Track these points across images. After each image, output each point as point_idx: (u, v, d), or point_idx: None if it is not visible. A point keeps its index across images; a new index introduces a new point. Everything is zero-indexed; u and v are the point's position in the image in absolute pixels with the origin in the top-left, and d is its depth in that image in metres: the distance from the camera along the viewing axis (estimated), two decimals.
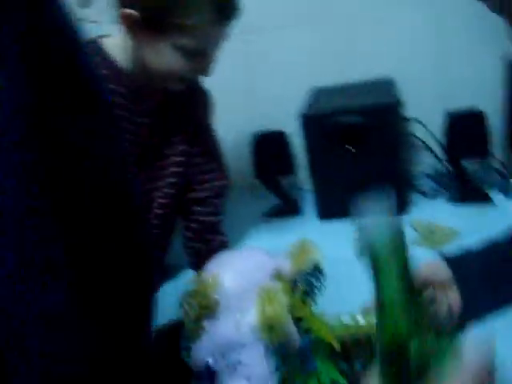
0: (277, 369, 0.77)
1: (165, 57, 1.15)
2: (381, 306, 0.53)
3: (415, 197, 1.57)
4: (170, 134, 1.33)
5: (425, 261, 1.05)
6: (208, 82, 1.45)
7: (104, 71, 1.20)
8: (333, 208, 1.54)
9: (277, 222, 1.64)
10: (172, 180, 1.33)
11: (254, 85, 1.77)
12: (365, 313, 0.83)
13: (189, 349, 0.82)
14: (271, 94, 1.76)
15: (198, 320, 0.80)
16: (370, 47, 1.65)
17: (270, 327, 0.74)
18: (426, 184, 1.62)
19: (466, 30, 1.58)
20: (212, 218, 1.39)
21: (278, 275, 0.81)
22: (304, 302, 0.80)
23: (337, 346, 0.77)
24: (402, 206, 1.49)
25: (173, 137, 1.33)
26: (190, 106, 1.35)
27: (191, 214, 1.39)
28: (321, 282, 0.85)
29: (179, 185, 1.35)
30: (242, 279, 0.79)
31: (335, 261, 1.33)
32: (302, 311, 0.79)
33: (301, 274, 0.84)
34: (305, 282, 0.84)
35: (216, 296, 0.79)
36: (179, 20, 1.09)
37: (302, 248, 0.84)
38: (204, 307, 0.79)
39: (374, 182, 1.43)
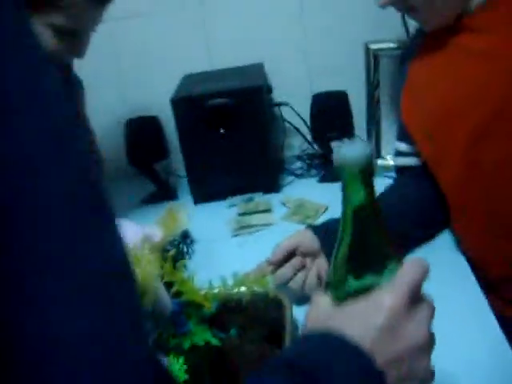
0: (150, 332, 0.78)
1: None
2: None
3: (287, 177, 1.64)
4: None
5: (294, 232, 1.12)
6: (79, 68, 1.45)
7: None
8: (206, 191, 1.57)
9: (153, 208, 1.65)
10: None
11: (125, 71, 1.76)
12: (235, 278, 0.87)
13: None
14: (143, 80, 1.76)
15: None
16: (241, 33, 1.69)
17: (141, 292, 0.76)
18: (297, 165, 1.69)
19: (329, 14, 1.66)
20: None
21: (147, 242, 0.82)
22: (174, 267, 0.82)
23: (208, 305, 0.80)
24: (273, 186, 1.55)
25: None
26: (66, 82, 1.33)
27: None
28: (190, 247, 0.87)
29: None
30: None
31: (209, 241, 1.39)
32: (172, 276, 0.81)
33: (170, 240, 0.86)
34: (174, 248, 0.86)
35: None
36: None
37: (171, 216, 0.86)
38: None
39: (245, 164, 1.51)
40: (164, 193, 1.68)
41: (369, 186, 0.59)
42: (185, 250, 0.88)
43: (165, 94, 1.51)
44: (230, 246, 1.35)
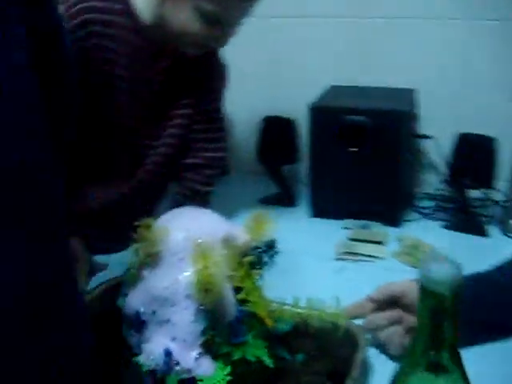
0: (204, 333, 0.75)
1: (183, 16, 1.14)
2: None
3: (411, 213, 1.54)
4: (179, 96, 1.32)
5: (402, 279, 1.03)
6: (230, 58, 1.45)
7: (124, 20, 1.20)
8: (325, 207, 1.52)
9: (270, 210, 1.61)
10: (170, 141, 1.33)
11: (274, 69, 1.76)
12: (309, 302, 0.82)
13: (126, 296, 0.81)
14: (289, 80, 1.74)
15: (141, 268, 0.79)
16: (398, 54, 1.62)
17: (205, 288, 0.72)
18: (425, 203, 1.58)
19: (492, 57, 1.54)
20: (199, 187, 1.38)
21: (228, 242, 0.79)
22: (248, 274, 0.78)
23: (269, 322, 0.75)
24: (394, 219, 1.46)
25: (180, 99, 1.32)
26: (203, 73, 1.33)
27: (182, 179, 1.39)
28: (271, 259, 0.83)
29: (176, 147, 1.34)
30: (191, 236, 0.77)
31: (304, 256, 1.33)
32: (243, 282, 0.77)
33: (252, 246, 0.82)
34: (255, 255, 0.82)
35: (160, 248, 0.77)
36: None
37: (260, 221, 0.82)
38: (147, 256, 0.77)
39: (370, 189, 1.43)
40: (284, 198, 1.65)
41: (453, 316, 0.54)
42: (265, 259, 0.83)
43: (307, 99, 1.48)
44: (325, 269, 1.28)
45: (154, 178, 1.35)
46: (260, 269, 0.83)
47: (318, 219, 1.54)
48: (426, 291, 0.54)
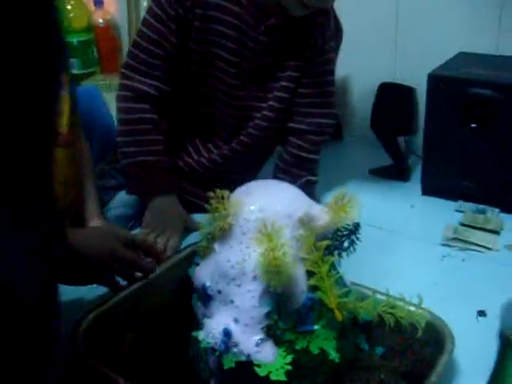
0: (268, 317, 0.69)
1: None
2: None
3: None
4: (286, 58, 1.26)
5: None
6: (348, 19, 1.36)
7: None
8: (439, 185, 1.40)
9: (380, 183, 1.53)
10: (275, 104, 1.28)
11: (399, 33, 1.63)
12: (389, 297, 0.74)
13: (196, 265, 0.78)
14: (414, 46, 1.61)
15: (212, 240, 0.75)
16: None
17: (272, 270, 0.67)
18: None
19: None
20: (305, 154, 1.32)
21: (306, 222, 0.73)
22: (323, 259, 0.71)
23: (338, 315, 0.69)
24: None
25: (287, 61, 1.26)
26: (313, 33, 1.26)
27: (287, 144, 1.33)
28: (352, 246, 0.75)
29: (281, 111, 1.29)
30: (265, 214, 0.72)
31: (409, 235, 1.24)
32: (317, 266, 0.71)
33: (333, 229, 0.75)
34: (334, 239, 0.75)
35: (232, 223, 0.72)
36: None
37: (345, 203, 0.74)
38: (219, 229, 0.73)
39: (491, 171, 1.30)
40: (397, 170, 1.54)
41: None
42: (346, 244, 0.75)
43: (431, 66, 1.36)
44: (428, 253, 1.19)
45: (256, 142, 1.32)
46: (339, 255, 0.76)
47: (430, 197, 1.42)
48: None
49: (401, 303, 0.81)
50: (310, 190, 1.33)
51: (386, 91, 1.49)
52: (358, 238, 0.76)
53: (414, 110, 1.47)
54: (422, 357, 0.82)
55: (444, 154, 1.37)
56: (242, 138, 1.30)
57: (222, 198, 0.73)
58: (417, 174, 1.49)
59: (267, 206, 0.72)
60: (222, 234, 0.73)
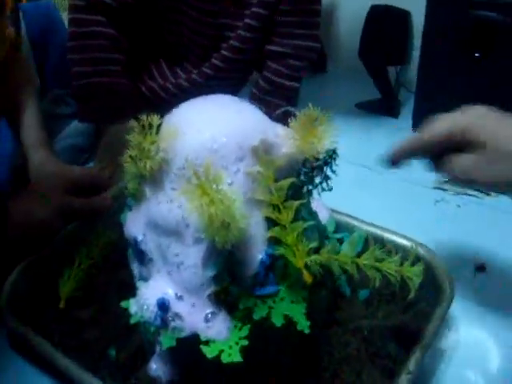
0: (217, 280, 0.54)
1: None
2: None
3: None
4: None
5: None
6: None
7: None
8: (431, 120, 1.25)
9: (368, 118, 1.39)
10: (252, 22, 1.12)
11: None
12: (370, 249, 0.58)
13: (129, 209, 0.61)
14: None
15: (140, 178, 0.58)
16: None
17: (217, 225, 0.50)
18: None
19: None
20: (285, 81, 1.17)
21: (263, 152, 0.56)
22: (287, 203, 0.55)
23: (308, 278, 0.54)
24: None
25: None
26: None
27: (265, 69, 1.18)
28: (326, 181, 0.60)
29: (258, 30, 1.13)
30: (206, 141, 0.54)
31: (399, 178, 1.11)
32: (278, 213, 0.55)
33: (299, 159, 0.58)
34: (303, 175, 0.59)
35: (162, 154, 0.55)
36: None
37: (313, 125, 0.58)
38: (144, 166, 0.55)
39: (493, 102, 1.15)
40: (386, 105, 1.41)
41: None
42: (318, 180, 0.60)
43: None
44: (419, 197, 1.06)
45: (229, 66, 1.16)
46: (308, 194, 0.61)
47: None
48: None
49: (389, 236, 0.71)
50: (289, 123, 1.19)
51: (377, 15, 1.33)
52: (333, 171, 0.60)
53: (408, 37, 1.31)
54: (415, 305, 0.69)
55: (440, 87, 1.22)
56: (213, 60, 1.15)
57: (150, 126, 0.56)
58: (408, 110, 1.36)
59: (210, 133, 0.54)
60: (153, 174, 0.56)
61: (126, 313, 0.58)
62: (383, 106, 1.40)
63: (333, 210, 0.81)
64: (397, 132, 1.31)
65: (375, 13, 1.32)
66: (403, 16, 1.30)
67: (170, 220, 0.53)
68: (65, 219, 0.80)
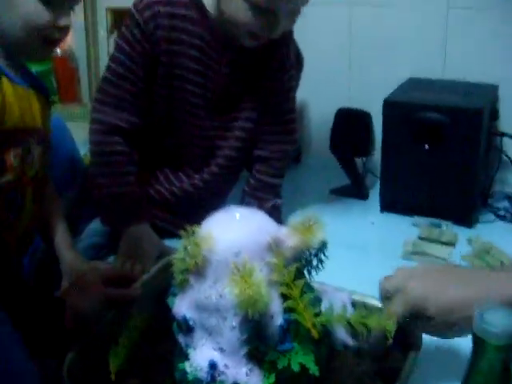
0: (249, 342, 0.75)
1: (234, 5, 1.15)
2: None
3: (486, 214, 1.48)
4: (247, 88, 1.32)
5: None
6: (310, 52, 1.48)
7: (193, 14, 1.22)
8: (396, 201, 1.49)
9: (341, 201, 1.61)
10: (241, 134, 1.35)
11: (353, 62, 1.74)
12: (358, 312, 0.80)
13: (175, 295, 0.82)
14: (368, 73, 1.72)
15: (186, 272, 0.79)
16: (482, 49, 1.55)
17: (248, 302, 0.72)
18: (502, 204, 1.51)
19: None
20: (270, 179, 1.39)
21: (275, 247, 0.78)
22: (294, 282, 0.77)
23: (315, 334, 0.75)
24: (466, 219, 1.41)
25: (249, 91, 1.33)
26: (272, 64, 1.33)
27: (253, 169, 1.41)
28: (320, 263, 0.82)
29: (246, 140, 1.36)
30: (235, 244, 0.76)
31: (372, 251, 1.32)
32: (289, 289, 0.77)
33: (301, 251, 0.80)
34: (303, 261, 0.81)
35: (204, 255, 0.77)
36: None
37: (310, 224, 0.80)
38: (192, 264, 0.77)
39: (443, 187, 1.39)
40: (356, 189, 1.63)
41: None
42: (315, 263, 0.82)
43: (383, 92, 1.45)
44: (391, 268, 1.24)
45: (225, 170, 1.38)
46: (309, 273, 0.82)
47: (388, 213, 1.51)
48: (482, 343, 0.52)
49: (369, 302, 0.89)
50: (276, 213, 1.41)
51: (343, 116, 1.57)
52: (325, 256, 0.82)
53: (370, 133, 1.56)
54: (392, 354, 0.88)
55: (400, 172, 1.46)
56: (211, 168, 1.36)
57: (193, 233, 0.77)
58: (375, 192, 1.57)
59: (237, 238, 0.77)
60: (196, 268, 0.77)
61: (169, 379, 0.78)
62: (354, 191, 1.62)
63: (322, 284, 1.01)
64: (367, 212, 1.54)
65: (342, 114, 1.57)
66: (365, 116, 1.54)
67: (211, 300, 0.75)
68: (106, 307, 0.99)
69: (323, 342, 0.83)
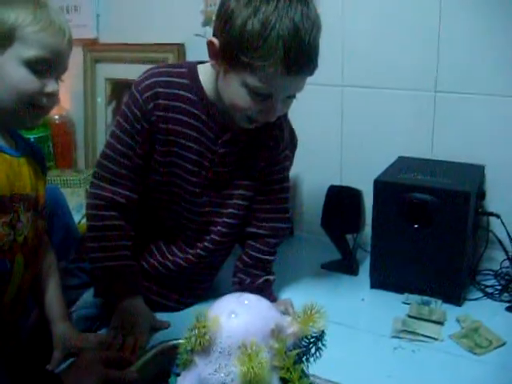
0: None
1: (233, 90, 1.19)
2: None
3: (474, 292, 1.51)
4: (242, 167, 1.36)
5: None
6: (303, 132, 1.54)
7: (192, 96, 1.27)
8: (386, 278, 1.51)
9: (332, 277, 1.63)
10: (234, 211, 1.38)
11: (344, 141, 1.81)
12: None
13: (177, 375, 0.85)
14: (358, 152, 1.78)
15: (192, 352, 0.82)
16: (470, 130, 1.62)
17: (252, 382, 0.75)
18: (490, 282, 1.54)
19: None
20: (262, 256, 1.42)
21: (277, 334, 0.82)
22: (294, 366, 0.80)
23: None
24: (455, 298, 1.44)
25: (244, 170, 1.36)
26: (266, 144, 1.37)
27: (246, 246, 1.43)
28: (319, 352, 0.84)
29: (240, 217, 1.39)
30: (240, 329, 0.80)
31: (361, 328, 1.34)
32: (289, 374, 0.79)
33: (301, 338, 0.84)
34: (303, 347, 0.84)
35: (210, 337, 0.80)
36: (249, 59, 1.11)
37: (311, 312, 0.84)
38: (198, 344, 0.80)
39: (432, 266, 1.42)
40: (346, 265, 1.66)
41: None
42: (313, 351, 0.85)
43: (374, 169, 1.51)
44: (380, 346, 1.29)
45: (219, 246, 1.40)
46: (307, 360, 0.85)
47: (378, 290, 1.53)
48: None
49: None
50: (268, 289, 1.42)
51: (335, 193, 1.62)
52: (324, 345, 0.85)
53: (361, 210, 1.60)
54: None
55: (390, 250, 1.49)
56: (205, 243, 1.39)
57: (202, 315, 0.81)
58: (365, 268, 1.59)
59: (242, 317, 0.81)
60: (201, 348, 0.80)
61: None
62: (344, 266, 1.65)
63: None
64: (357, 288, 1.56)
65: (333, 191, 1.62)
66: (356, 194, 1.59)
67: (216, 374, 0.77)
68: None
69: None
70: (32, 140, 2.32)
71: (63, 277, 1.37)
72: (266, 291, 1.41)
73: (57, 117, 2.46)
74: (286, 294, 1.49)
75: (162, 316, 1.34)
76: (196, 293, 1.44)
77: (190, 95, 1.27)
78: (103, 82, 2.34)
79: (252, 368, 0.74)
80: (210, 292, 1.44)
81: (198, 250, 1.39)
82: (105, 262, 1.32)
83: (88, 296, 1.41)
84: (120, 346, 1.22)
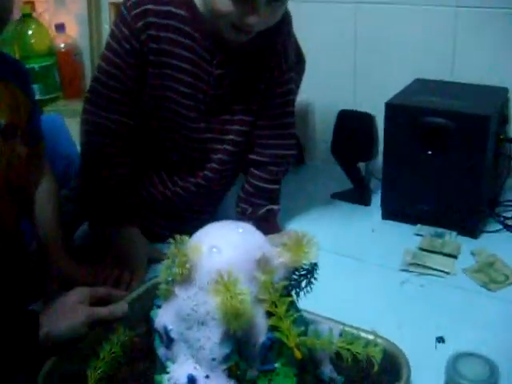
0: (229, 358, 0.71)
1: None
2: None
3: (493, 224, 1.42)
4: (242, 91, 1.27)
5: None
6: (313, 52, 1.45)
7: (184, 12, 1.18)
8: (398, 209, 1.43)
9: (342, 207, 1.56)
10: (235, 138, 1.30)
11: (358, 62, 1.70)
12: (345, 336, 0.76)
13: (158, 307, 0.79)
14: (373, 74, 1.67)
15: (172, 283, 0.76)
16: (492, 53, 1.50)
17: (232, 315, 0.68)
18: (508, 213, 1.45)
19: None
20: (266, 185, 1.35)
21: (264, 264, 0.74)
22: (281, 300, 0.73)
23: (298, 354, 0.71)
24: (471, 230, 1.35)
25: (244, 94, 1.28)
26: (269, 66, 1.28)
27: (249, 175, 1.36)
28: (309, 286, 0.78)
29: (242, 144, 1.31)
30: (224, 258, 0.73)
31: (369, 261, 1.27)
32: (275, 308, 0.72)
33: (290, 270, 0.77)
34: (292, 280, 0.77)
35: (191, 268, 0.73)
36: None
37: (301, 243, 0.76)
38: (179, 274, 0.74)
39: (448, 195, 1.33)
40: (358, 195, 1.57)
41: None
42: (304, 284, 0.78)
43: (389, 93, 1.40)
44: (388, 279, 1.22)
45: (219, 175, 1.33)
46: (297, 294, 0.78)
47: (390, 221, 1.45)
48: None
49: (357, 333, 0.84)
50: (272, 219, 1.36)
51: (346, 118, 1.52)
52: (315, 278, 0.78)
53: (374, 136, 1.50)
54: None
55: (402, 179, 1.40)
56: (206, 172, 1.32)
57: (182, 242, 0.74)
58: (378, 198, 1.50)
59: (225, 251, 0.74)
60: (182, 278, 0.74)
61: None
62: (356, 196, 1.57)
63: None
64: (368, 219, 1.48)
65: (344, 116, 1.51)
66: (368, 119, 1.48)
67: (195, 311, 0.71)
68: (90, 326, 0.94)
69: (309, 371, 0.79)
70: (37, 69, 2.25)
71: (64, 204, 1.32)
72: (270, 221, 1.34)
73: (62, 45, 2.36)
74: (293, 225, 1.42)
75: (162, 247, 1.28)
76: (197, 223, 1.37)
77: (181, 12, 1.18)
78: (107, 6, 2.23)
79: (230, 298, 0.67)
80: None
81: (199, 179, 1.32)
82: (98, 190, 1.27)
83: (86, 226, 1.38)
84: (116, 280, 1.18)
